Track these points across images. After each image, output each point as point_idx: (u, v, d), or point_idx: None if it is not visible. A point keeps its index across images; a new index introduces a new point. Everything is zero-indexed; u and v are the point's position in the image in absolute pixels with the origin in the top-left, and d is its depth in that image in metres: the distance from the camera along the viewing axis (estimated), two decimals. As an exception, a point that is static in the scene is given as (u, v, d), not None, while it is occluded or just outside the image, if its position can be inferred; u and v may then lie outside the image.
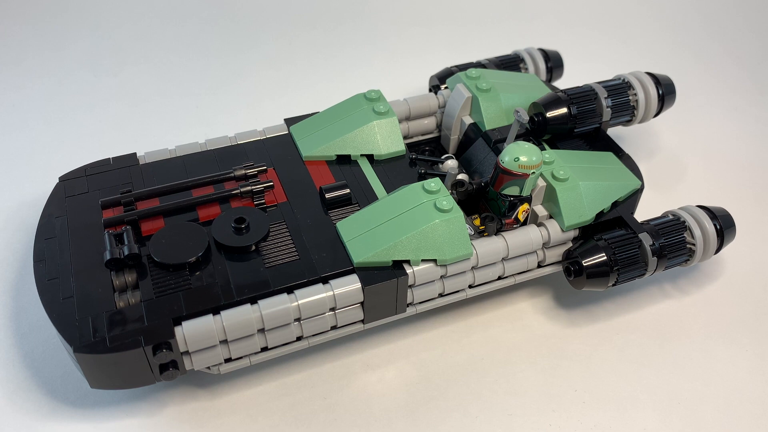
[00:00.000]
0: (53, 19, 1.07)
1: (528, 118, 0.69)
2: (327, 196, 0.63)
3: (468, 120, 0.72)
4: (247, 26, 1.09)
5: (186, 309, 0.53)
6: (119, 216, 0.59)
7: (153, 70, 0.99)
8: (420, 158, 0.69)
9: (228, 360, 0.56)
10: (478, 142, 0.71)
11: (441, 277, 0.59)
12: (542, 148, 0.70)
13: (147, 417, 0.58)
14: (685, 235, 0.65)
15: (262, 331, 0.55)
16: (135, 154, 0.68)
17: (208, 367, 0.56)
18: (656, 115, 0.78)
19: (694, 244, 0.65)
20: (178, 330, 0.52)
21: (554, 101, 0.71)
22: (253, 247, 0.58)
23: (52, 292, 0.55)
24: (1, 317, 0.65)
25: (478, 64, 0.84)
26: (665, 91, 0.76)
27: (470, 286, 0.63)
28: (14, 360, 0.62)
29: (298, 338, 0.58)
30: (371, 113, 0.69)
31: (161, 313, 0.53)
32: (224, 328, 0.53)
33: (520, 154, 0.59)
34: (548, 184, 0.63)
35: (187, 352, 0.53)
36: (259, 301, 0.54)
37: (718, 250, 0.67)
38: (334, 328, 0.59)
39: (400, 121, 0.74)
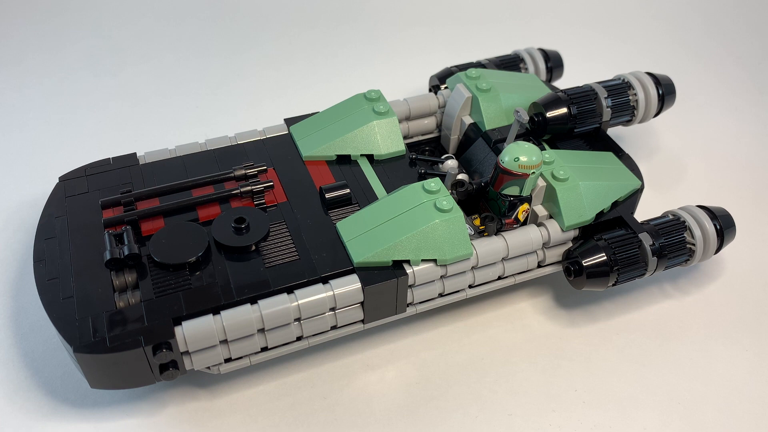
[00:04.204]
0: (53, 19, 1.07)
1: (528, 118, 0.70)
2: (327, 196, 0.63)
3: (468, 120, 0.72)
4: (247, 26, 1.09)
5: (186, 309, 0.53)
6: (119, 216, 0.59)
7: (153, 70, 0.99)
8: (420, 158, 0.69)
9: (228, 360, 0.56)
10: (478, 142, 0.71)
11: (441, 277, 0.59)
12: (542, 148, 0.70)
13: (147, 417, 0.58)
14: (685, 235, 0.65)
15: (262, 331, 0.55)
16: (135, 154, 0.68)
17: (208, 367, 0.56)
18: (656, 115, 0.78)
19: (694, 244, 0.65)
20: (178, 330, 0.52)
21: (554, 101, 0.71)
22: (253, 247, 0.58)
23: (52, 292, 0.55)
24: (1, 317, 0.65)
25: (478, 64, 0.84)
26: (665, 91, 0.76)
27: (470, 286, 0.63)
28: (14, 360, 0.62)
29: (298, 338, 0.58)
30: (371, 113, 0.69)
31: (161, 313, 0.53)
32: (224, 328, 0.53)
33: (520, 154, 0.59)
34: (548, 184, 0.63)
35: (187, 352, 0.53)
36: (259, 301, 0.54)
37: (718, 250, 0.67)
38: (334, 328, 0.59)
39: (400, 121, 0.74)
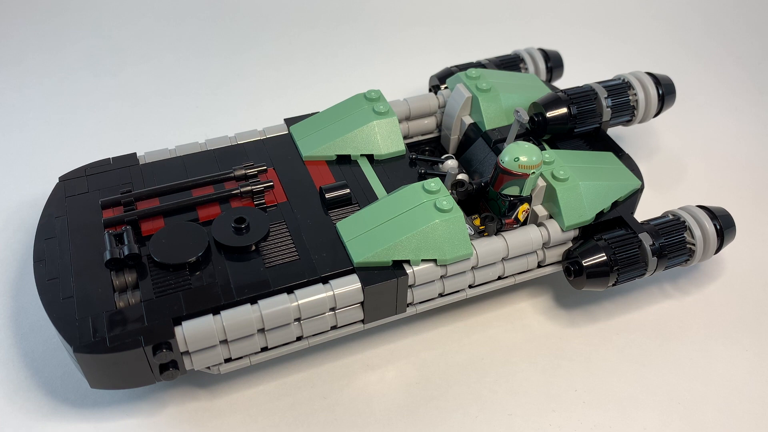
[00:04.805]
0: (53, 19, 1.07)
1: (528, 118, 0.70)
2: (327, 196, 0.63)
3: (468, 120, 0.72)
4: (247, 26, 1.09)
5: (186, 309, 0.53)
6: (119, 216, 0.59)
7: (153, 70, 0.99)
8: (420, 158, 0.69)
9: (228, 360, 0.56)
10: (478, 142, 0.71)
11: (441, 277, 0.59)
12: (542, 148, 0.70)
13: (147, 417, 0.58)
14: (685, 235, 0.65)
15: (262, 331, 0.55)
16: (135, 154, 0.68)
17: (208, 367, 0.56)
18: (656, 115, 0.78)
19: (694, 244, 0.65)
20: (178, 330, 0.52)
21: (554, 101, 0.71)
22: (253, 247, 0.58)
23: (52, 292, 0.55)
24: (1, 317, 0.65)
25: (478, 64, 0.84)
26: (665, 91, 0.76)
27: (470, 286, 0.63)
28: (14, 360, 0.62)
29: (298, 338, 0.58)
30: (371, 113, 0.69)
31: (161, 313, 0.53)
32: (224, 328, 0.53)
33: (520, 154, 0.59)
34: (548, 184, 0.63)
35: (187, 352, 0.53)
36: (259, 301, 0.54)
37: (718, 250, 0.67)
38: (334, 328, 0.59)
39: (400, 121, 0.74)
